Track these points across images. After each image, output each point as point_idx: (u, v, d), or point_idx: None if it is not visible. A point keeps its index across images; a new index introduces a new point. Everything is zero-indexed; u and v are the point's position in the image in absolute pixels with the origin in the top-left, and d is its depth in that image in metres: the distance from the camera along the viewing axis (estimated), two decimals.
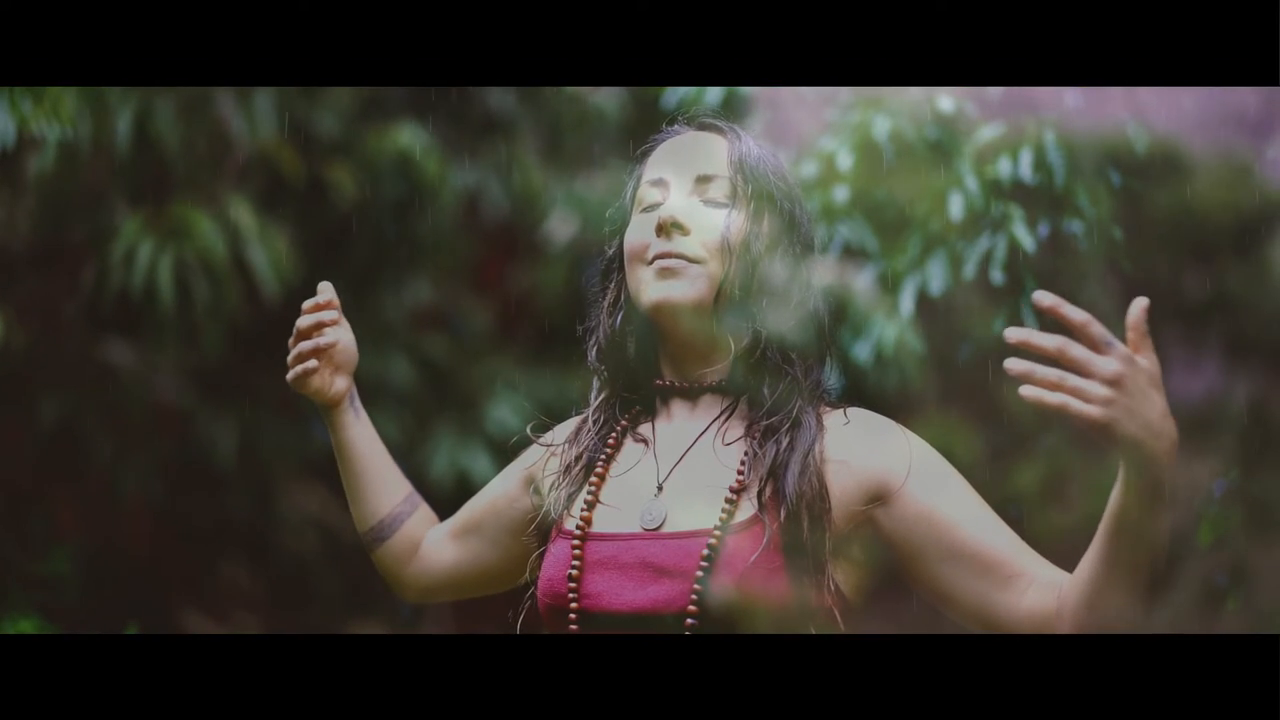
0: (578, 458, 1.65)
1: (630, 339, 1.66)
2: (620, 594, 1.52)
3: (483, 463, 3.44)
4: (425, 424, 3.53)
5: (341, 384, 1.79)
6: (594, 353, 1.68)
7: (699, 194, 1.61)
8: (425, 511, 1.86)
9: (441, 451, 3.47)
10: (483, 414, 3.56)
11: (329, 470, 3.59)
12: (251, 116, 3.17)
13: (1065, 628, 1.46)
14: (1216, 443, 2.38)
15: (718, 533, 1.50)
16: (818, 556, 1.50)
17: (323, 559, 3.55)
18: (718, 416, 1.60)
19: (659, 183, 1.64)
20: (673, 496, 1.56)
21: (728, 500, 1.52)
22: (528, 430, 1.73)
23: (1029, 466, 2.40)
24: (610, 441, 1.65)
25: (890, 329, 2.30)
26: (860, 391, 2.36)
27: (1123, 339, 1.33)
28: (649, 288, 1.59)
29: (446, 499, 3.85)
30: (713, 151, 1.63)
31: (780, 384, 1.56)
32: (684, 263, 1.58)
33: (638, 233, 1.63)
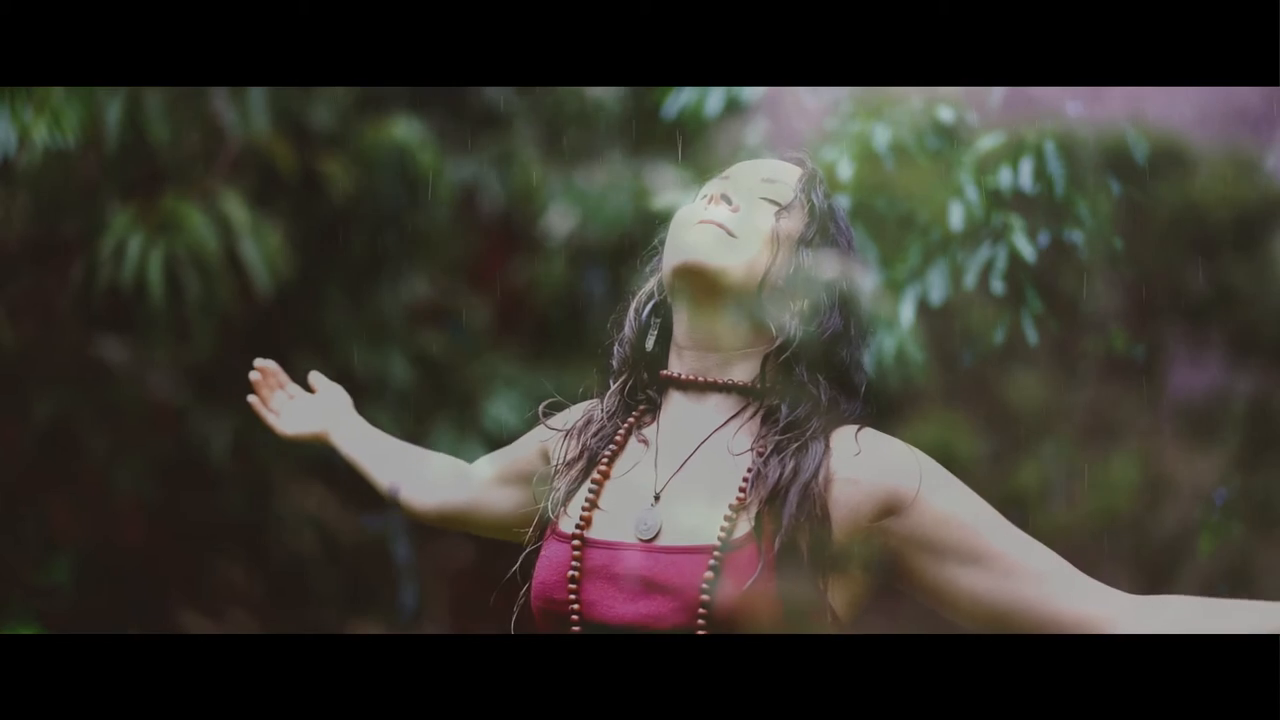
0: (581, 452, 1.64)
1: (654, 331, 1.66)
2: (613, 606, 1.51)
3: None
4: (423, 421, 3.52)
5: (311, 429, 2.01)
6: (617, 343, 1.68)
7: (759, 191, 1.62)
8: (426, 469, 1.92)
9: (439, 449, 3.46)
10: (481, 411, 3.55)
11: (325, 468, 3.60)
12: (244, 109, 3.15)
13: (1117, 629, 1.49)
14: (1219, 439, 2.38)
15: (718, 553, 1.48)
16: (815, 580, 1.49)
17: (320, 558, 3.55)
18: (723, 424, 1.58)
19: (724, 178, 1.66)
20: (669, 506, 1.54)
21: (726, 519, 1.51)
22: (540, 409, 1.73)
23: (1031, 465, 2.40)
24: (617, 439, 1.63)
25: (890, 338, 2.30)
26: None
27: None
28: (680, 249, 1.59)
29: None
30: (784, 169, 1.66)
31: (801, 405, 1.56)
32: (723, 232, 1.58)
33: (687, 208, 1.64)
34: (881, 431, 1.58)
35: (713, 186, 1.64)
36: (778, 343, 1.57)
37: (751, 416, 1.58)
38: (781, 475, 1.50)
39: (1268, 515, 2.33)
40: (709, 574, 1.46)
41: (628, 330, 1.66)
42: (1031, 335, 2.22)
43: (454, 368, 3.67)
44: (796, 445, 1.52)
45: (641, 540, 1.53)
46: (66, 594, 3.22)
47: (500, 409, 3.54)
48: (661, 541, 1.51)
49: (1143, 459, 2.42)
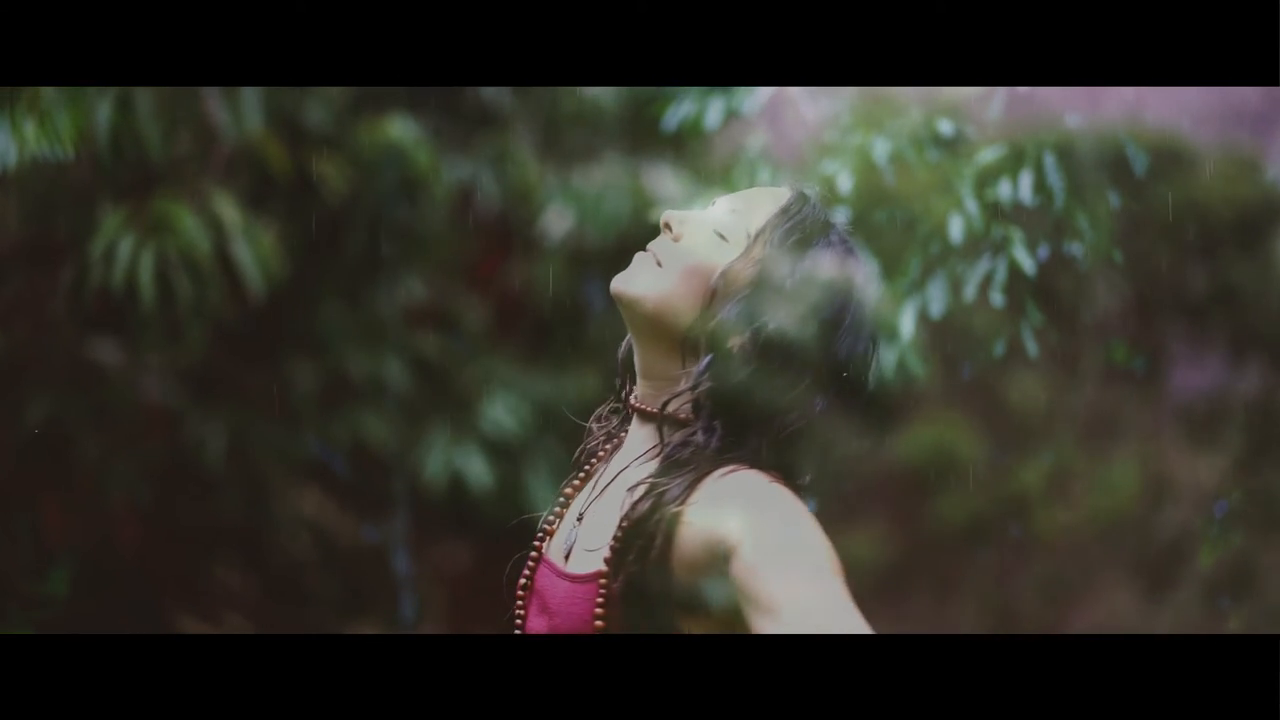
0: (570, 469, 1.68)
1: None
2: (527, 620, 1.59)
3: (477, 464, 3.41)
4: (419, 424, 3.52)
5: None
6: (620, 361, 1.68)
7: (719, 223, 1.59)
8: None
9: (435, 453, 3.46)
10: (477, 414, 3.54)
11: (322, 472, 3.60)
12: (237, 109, 3.14)
13: None
14: (1221, 439, 2.38)
15: (602, 585, 1.50)
16: (664, 614, 1.50)
17: (317, 562, 3.55)
18: (640, 455, 1.58)
19: (711, 203, 1.63)
20: (582, 530, 1.58)
21: (610, 552, 1.52)
22: (591, 421, 1.74)
23: (1032, 466, 2.40)
24: (599, 454, 1.66)
25: (890, 352, 2.31)
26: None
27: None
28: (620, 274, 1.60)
29: (440, 501, 3.82)
30: (762, 201, 1.61)
31: (688, 445, 1.53)
32: (651, 260, 1.57)
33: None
34: (766, 472, 1.51)
35: (677, 213, 1.62)
36: (684, 382, 1.54)
37: (660, 450, 1.57)
38: (636, 514, 1.50)
39: (1269, 516, 2.33)
40: (596, 605, 1.50)
41: (621, 350, 1.67)
42: (1031, 347, 2.22)
43: (450, 370, 3.67)
44: (664, 487, 1.51)
45: (566, 557, 1.57)
46: (61, 599, 3.21)
47: (498, 411, 3.53)
48: (568, 564, 1.56)
49: (1144, 460, 2.43)
